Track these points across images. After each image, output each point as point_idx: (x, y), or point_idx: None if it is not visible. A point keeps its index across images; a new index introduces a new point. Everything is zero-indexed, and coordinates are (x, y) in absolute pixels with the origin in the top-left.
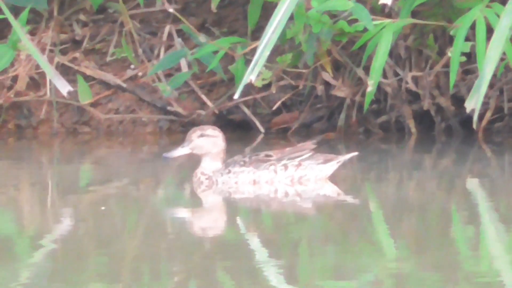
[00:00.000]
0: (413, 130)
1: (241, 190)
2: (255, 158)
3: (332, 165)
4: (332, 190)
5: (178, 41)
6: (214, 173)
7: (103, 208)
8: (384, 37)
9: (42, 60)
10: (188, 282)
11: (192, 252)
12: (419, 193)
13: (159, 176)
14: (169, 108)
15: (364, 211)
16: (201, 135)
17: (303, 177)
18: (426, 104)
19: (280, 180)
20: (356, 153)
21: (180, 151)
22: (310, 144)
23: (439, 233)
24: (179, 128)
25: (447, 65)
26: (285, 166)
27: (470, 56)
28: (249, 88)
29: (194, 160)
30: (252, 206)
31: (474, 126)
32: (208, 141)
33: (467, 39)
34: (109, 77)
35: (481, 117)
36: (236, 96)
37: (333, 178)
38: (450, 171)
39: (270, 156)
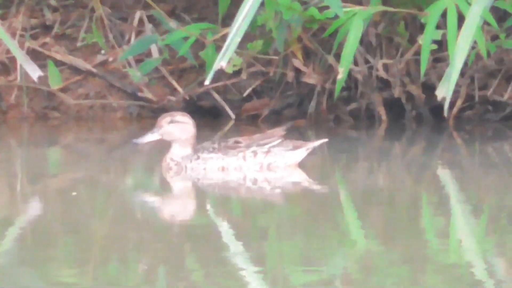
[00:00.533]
0: (384, 117)
1: (209, 177)
2: (224, 144)
3: (301, 152)
4: (301, 177)
5: (148, 27)
6: (183, 159)
7: (74, 193)
8: (354, 24)
9: (13, 45)
10: (156, 268)
11: (160, 238)
12: (388, 181)
13: (129, 162)
14: (139, 94)
15: (333, 199)
16: (171, 122)
17: (272, 163)
18: (396, 91)
19: (249, 166)
20: (325, 140)
21: (149, 137)
22: (279, 130)
23: (408, 221)
24: (149, 114)
25: (417, 53)
26: (254, 153)
27: (441, 44)
28: (220, 74)
29: (164, 146)
30: (220, 193)
31: (445, 114)
32: (177, 128)
33: (438, 27)
34: (79, 62)
35: (451, 105)
36: (206, 82)
37: (303, 165)
38: (420, 159)
39: (239, 142)
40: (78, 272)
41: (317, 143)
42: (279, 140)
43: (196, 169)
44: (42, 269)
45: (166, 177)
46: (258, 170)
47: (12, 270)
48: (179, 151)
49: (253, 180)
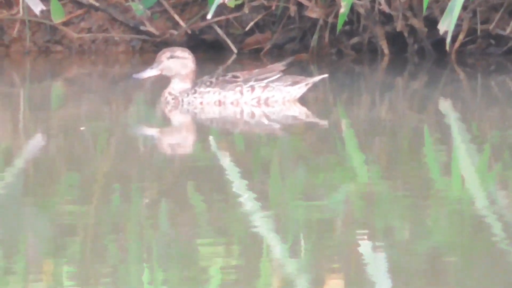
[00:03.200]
0: (386, 51)
1: (206, 111)
2: (222, 78)
3: (301, 87)
4: (300, 112)
5: None
6: (180, 93)
7: (82, 128)
8: None
9: None
10: (159, 202)
11: (162, 173)
12: (391, 115)
13: (131, 96)
14: (141, 27)
15: (335, 133)
16: (171, 57)
17: (270, 98)
18: (399, 25)
19: (246, 101)
20: (325, 76)
21: (149, 72)
22: (279, 65)
23: (411, 155)
24: (152, 48)
25: None
26: (252, 88)
27: None
28: (222, 8)
29: (167, 80)
30: (219, 127)
31: (447, 48)
32: (177, 63)
33: None
34: None
35: (453, 39)
36: (209, 16)
37: (304, 100)
38: (423, 92)
39: (237, 77)
40: (80, 207)
41: (317, 78)
42: (278, 75)
43: (193, 103)
44: (44, 202)
45: (165, 111)
46: (255, 105)
47: (14, 205)
48: (178, 86)
49: (250, 114)
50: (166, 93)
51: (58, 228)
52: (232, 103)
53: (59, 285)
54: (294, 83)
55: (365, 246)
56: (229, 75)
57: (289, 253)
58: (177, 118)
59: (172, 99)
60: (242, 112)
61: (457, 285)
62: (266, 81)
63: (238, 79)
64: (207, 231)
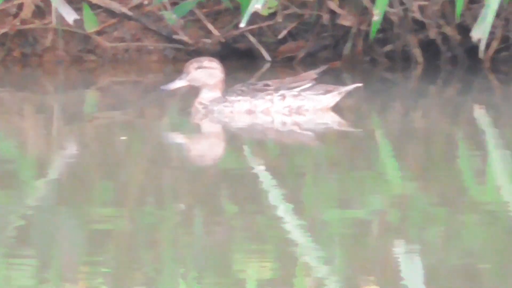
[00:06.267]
0: (419, 59)
1: (236, 119)
2: (253, 87)
3: (333, 96)
4: (332, 120)
5: None
6: (211, 102)
7: (122, 138)
8: None
9: None
10: (193, 210)
11: (196, 180)
12: (424, 122)
13: (163, 104)
14: (174, 36)
15: (369, 140)
16: (198, 67)
17: (301, 107)
18: (432, 33)
19: (277, 110)
20: (359, 85)
21: (177, 83)
22: (311, 74)
23: (444, 162)
24: (185, 57)
25: None
26: (283, 96)
27: None
28: (255, 16)
29: (199, 89)
30: (251, 135)
31: (480, 55)
32: (205, 73)
33: None
34: (115, 5)
35: (487, 46)
36: (242, 25)
37: (337, 108)
38: (456, 100)
39: (269, 85)
40: (115, 215)
41: (350, 87)
42: (310, 84)
43: (223, 112)
44: (78, 210)
45: (195, 120)
46: (286, 113)
47: (49, 211)
48: (208, 95)
49: (281, 123)
50: (196, 102)
51: (93, 236)
52: (262, 111)
53: None
54: (327, 92)
55: (400, 254)
56: (260, 83)
57: (323, 261)
58: (207, 127)
59: (203, 108)
60: (273, 121)
61: None
62: (297, 89)
63: (269, 88)
64: (241, 239)
